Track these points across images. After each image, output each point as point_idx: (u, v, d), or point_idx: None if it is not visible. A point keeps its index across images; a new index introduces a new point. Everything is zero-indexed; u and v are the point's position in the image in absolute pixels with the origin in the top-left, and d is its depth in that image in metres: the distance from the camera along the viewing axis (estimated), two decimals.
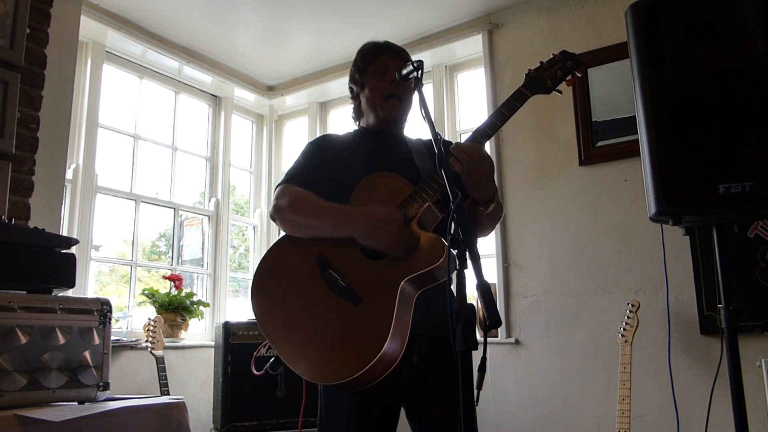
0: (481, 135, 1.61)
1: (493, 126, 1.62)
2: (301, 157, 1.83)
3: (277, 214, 1.68)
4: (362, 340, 1.44)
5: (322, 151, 1.82)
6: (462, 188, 1.49)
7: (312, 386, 1.62)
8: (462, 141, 1.63)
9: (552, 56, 1.68)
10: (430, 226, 1.54)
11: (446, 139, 3.60)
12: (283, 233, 1.72)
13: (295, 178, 1.75)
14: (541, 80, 1.65)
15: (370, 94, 1.83)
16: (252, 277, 1.67)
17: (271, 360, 1.60)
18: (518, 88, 1.65)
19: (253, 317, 1.63)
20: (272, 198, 1.74)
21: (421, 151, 1.84)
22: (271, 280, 1.64)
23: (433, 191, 1.57)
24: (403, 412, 1.72)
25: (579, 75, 1.68)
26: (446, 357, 1.66)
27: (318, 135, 4.26)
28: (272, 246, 1.72)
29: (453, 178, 1.35)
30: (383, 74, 1.81)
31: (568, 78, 1.66)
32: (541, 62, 1.68)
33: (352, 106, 1.94)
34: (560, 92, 1.67)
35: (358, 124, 1.94)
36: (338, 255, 1.59)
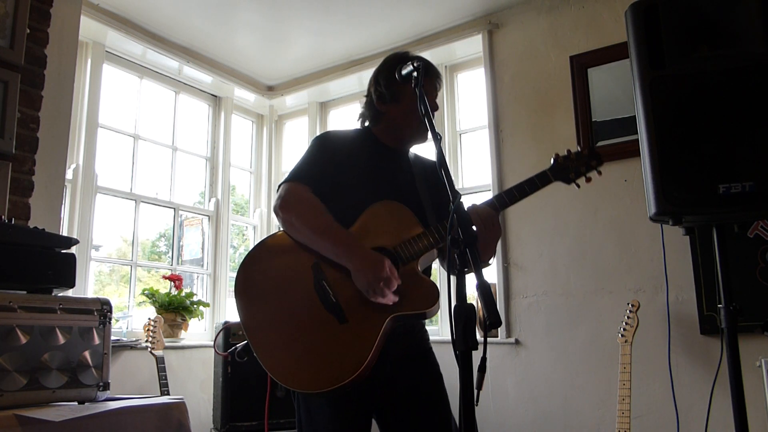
0: (499, 203, 1.67)
1: (512, 198, 1.68)
2: (308, 154, 1.80)
3: (283, 212, 1.67)
4: (342, 357, 1.49)
5: (327, 149, 1.80)
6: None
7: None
8: (478, 204, 1.69)
9: (578, 149, 1.73)
10: (425, 265, 1.64)
11: (446, 137, 3.64)
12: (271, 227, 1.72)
13: (304, 177, 1.72)
14: (566, 170, 1.71)
15: (405, 116, 1.79)
16: (238, 269, 1.65)
17: (240, 345, 1.58)
18: (545, 171, 1.70)
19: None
20: (278, 192, 1.72)
21: (423, 175, 1.83)
22: (259, 275, 1.64)
23: (441, 238, 1.60)
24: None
25: (600, 174, 1.74)
26: (418, 367, 1.72)
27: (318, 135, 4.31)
28: (264, 240, 1.71)
29: (452, 179, 1.35)
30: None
31: (588, 175, 1.72)
32: (569, 151, 1.72)
33: (369, 106, 1.88)
34: (578, 186, 1.73)
35: (365, 125, 1.90)
36: (334, 269, 1.60)
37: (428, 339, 1.83)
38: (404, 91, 1.77)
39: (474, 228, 1.55)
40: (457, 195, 1.24)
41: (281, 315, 1.57)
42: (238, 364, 3.06)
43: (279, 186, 1.75)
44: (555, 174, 1.70)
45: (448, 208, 1.24)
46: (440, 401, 1.73)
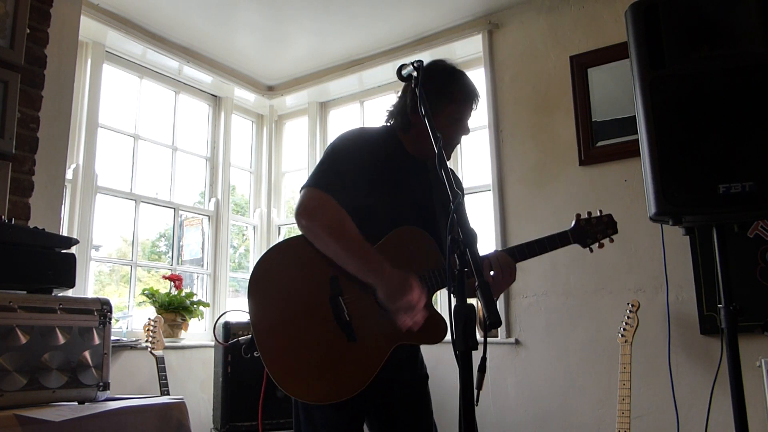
0: (519, 254, 1.75)
1: (532, 251, 1.76)
2: (332, 158, 1.71)
3: (307, 221, 1.61)
4: (342, 376, 1.54)
5: (358, 153, 1.72)
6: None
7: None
8: (499, 251, 1.75)
9: (600, 214, 1.81)
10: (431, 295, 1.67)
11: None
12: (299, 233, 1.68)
13: (327, 185, 1.64)
14: (585, 235, 1.79)
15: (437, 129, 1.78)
16: (256, 264, 1.62)
17: (247, 342, 1.57)
18: (566, 231, 1.79)
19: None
20: (301, 197, 1.64)
21: (437, 189, 1.79)
22: (275, 278, 1.62)
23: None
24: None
25: (612, 242, 1.83)
26: (410, 372, 1.77)
27: (318, 135, 4.32)
28: (282, 242, 1.70)
29: (453, 179, 1.35)
30: (459, 120, 1.79)
31: (602, 242, 1.81)
32: (590, 214, 1.80)
33: (401, 111, 1.80)
34: (591, 251, 1.82)
35: (392, 123, 1.84)
36: (352, 287, 1.60)
37: (421, 356, 1.87)
38: (442, 110, 1.73)
39: (492, 273, 1.65)
40: (456, 195, 1.24)
41: (292, 321, 1.57)
42: (239, 364, 3.07)
43: (301, 190, 1.67)
44: (575, 237, 1.79)
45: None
46: (428, 403, 1.80)
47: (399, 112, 1.81)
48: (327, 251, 1.61)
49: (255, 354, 1.57)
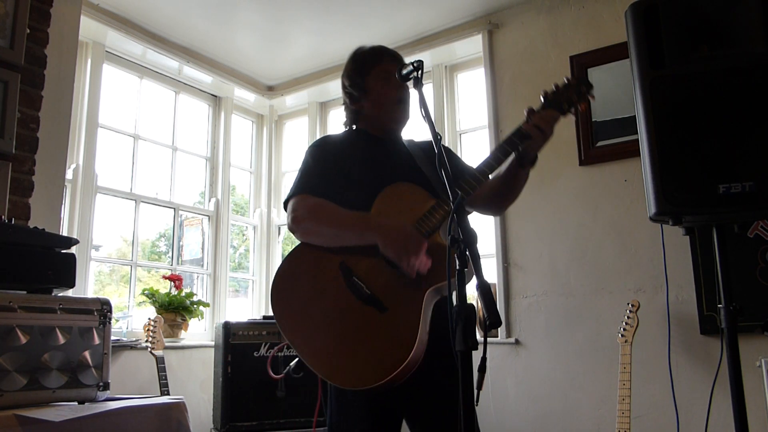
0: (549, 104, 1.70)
1: (513, 145, 1.68)
2: (305, 164, 1.81)
3: (297, 225, 1.68)
4: (390, 347, 1.47)
5: (325, 155, 1.81)
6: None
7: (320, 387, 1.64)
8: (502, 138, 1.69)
9: (566, 80, 1.71)
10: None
11: (446, 137, 3.64)
12: (297, 242, 1.71)
13: (307, 187, 1.73)
14: (558, 102, 1.70)
15: (378, 100, 1.83)
16: (271, 285, 1.66)
17: (293, 363, 1.58)
18: (538, 108, 1.70)
19: (273, 318, 1.63)
20: (287, 211, 1.73)
21: (420, 156, 1.84)
22: (291, 286, 1.64)
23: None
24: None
25: (593, 100, 1.73)
26: (450, 365, 1.66)
27: (318, 135, 4.32)
28: (288, 255, 1.71)
29: (452, 179, 1.35)
30: (388, 79, 1.81)
31: (581, 103, 1.71)
32: (556, 85, 1.71)
33: (347, 111, 1.92)
34: (574, 115, 1.69)
35: (353, 125, 1.93)
36: (360, 263, 1.60)
37: None
38: (368, 83, 1.83)
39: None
40: (456, 194, 1.24)
41: (324, 321, 1.56)
42: (239, 364, 3.08)
43: (285, 203, 1.75)
44: (548, 107, 1.70)
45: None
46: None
47: (347, 114, 1.92)
48: (324, 239, 1.64)
49: (303, 373, 1.55)
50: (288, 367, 1.67)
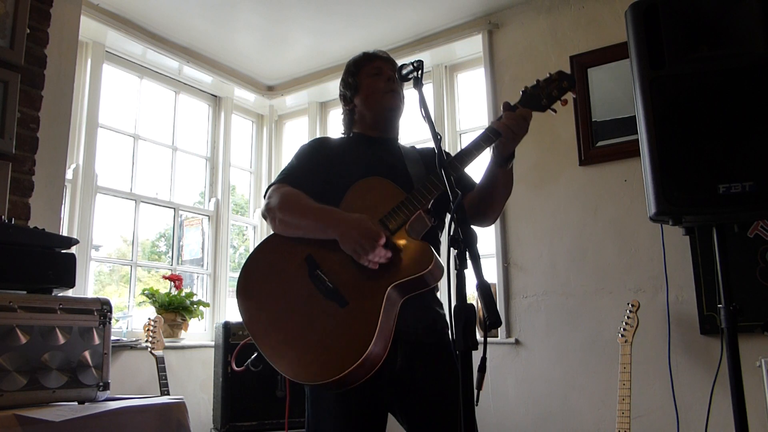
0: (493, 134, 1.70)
1: (488, 140, 1.71)
2: (294, 158, 1.84)
3: (268, 212, 1.69)
4: (347, 342, 1.45)
5: (317, 152, 1.83)
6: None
7: (298, 386, 1.61)
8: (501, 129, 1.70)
9: (548, 75, 1.68)
10: (420, 234, 1.56)
11: (446, 137, 3.64)
12: (271, 232, 1.71)
13: (287, 178, 1.75)
14: (537, 98, 1.68)
15: (367, 93, 1.85)
16: (238, 276, 1.65)
17: (253, 357, 1.58)
18: (515, 104, 1.69)
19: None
20: (264, 197, 1.75)
21: (414, 158, 1.84)
22: (257, 279, 1.63)
23: (425, 200, 1.57)
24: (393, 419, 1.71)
25: (574, 96, 1.69)
26: (433, 361, 1.65)
27: (318, 135, 4.32)
28: (259, 245, 1.71)
29: (453, 180, 1.35)
30: (378, 74, 1.85)
31: (563, 98, 1.66)
32: (538, 80, 1.69)
33: (343, 114, 1.94)
34: (555, 111, 1.68)
35: (350, 131, 1.93)
36: (327, 257, 1.58)
37: (447, 330, 1.73)
38: (359, 80, 1.87)
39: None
40: (456, 195, 1.24)
41: (284, 314, 1.56)
42: (239, 364, 3.07)
43: (264, 193, 1.76)
44: (525, 104, 1.67)
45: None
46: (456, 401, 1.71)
47: (344, 117, 1.95)
48: (291, 229, 1.64)
49: (262, 365, 1.54)
50: (249, 360, 1.67)
